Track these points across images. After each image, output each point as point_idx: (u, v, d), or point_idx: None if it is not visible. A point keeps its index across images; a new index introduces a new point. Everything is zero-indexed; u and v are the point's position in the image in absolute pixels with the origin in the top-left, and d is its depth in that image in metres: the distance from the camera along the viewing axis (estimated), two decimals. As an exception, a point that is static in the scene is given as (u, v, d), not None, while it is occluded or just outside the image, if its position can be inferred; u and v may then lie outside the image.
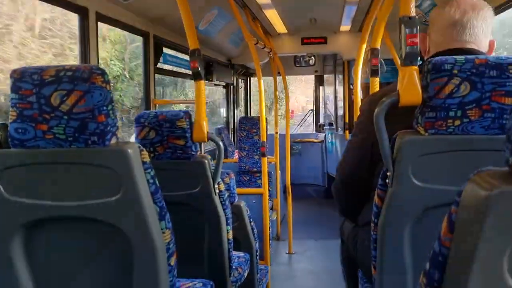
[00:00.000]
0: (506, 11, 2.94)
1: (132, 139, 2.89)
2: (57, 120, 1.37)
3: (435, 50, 1.54)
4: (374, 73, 2.54)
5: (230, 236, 2.25)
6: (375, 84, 2.55)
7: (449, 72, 1.24)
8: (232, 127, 6.76)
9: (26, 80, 1.36)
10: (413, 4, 1.40)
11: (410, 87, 1.33)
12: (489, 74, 1.22)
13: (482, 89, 1.23)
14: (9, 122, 1.41)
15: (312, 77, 8.94)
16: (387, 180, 1.36)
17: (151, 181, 1.47)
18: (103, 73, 1.38)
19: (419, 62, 1.42)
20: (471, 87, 1.23)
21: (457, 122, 1.26)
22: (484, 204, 0.58)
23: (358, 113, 1.83)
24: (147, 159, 1.48)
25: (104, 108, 1.38)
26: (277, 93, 5.85)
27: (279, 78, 6.06)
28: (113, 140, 1.43)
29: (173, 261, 1.56)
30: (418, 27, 1.38)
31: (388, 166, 1.34)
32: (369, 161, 1.60)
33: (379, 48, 2.53)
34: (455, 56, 1.27)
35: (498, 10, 2.89)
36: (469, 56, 1.26)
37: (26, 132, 1.39)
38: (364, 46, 3.33)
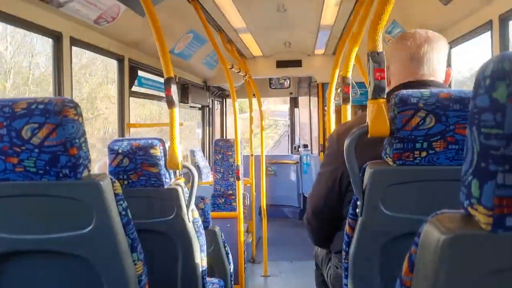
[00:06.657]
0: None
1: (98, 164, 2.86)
2: (28, 153, 1.34)
3: (396, 82, 1.59)
4: (345, 100, 2.59)
5: (204, 264, 2.23)
6: (346, 111, 2.60)
7: (415, 106, 1.28)
8: (207, 148, 6.75)
9: None
10: (380, 39, 1.45)
11: (378, 119, 1.37)
12: (453, 108, 1.27)
13: (446, 122, 1.27)
14: None
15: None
16: (357, 210, 1.39)
17: (123, 213, 1.46)
18: (75, 105, 1.37)
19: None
20: (436, 120, 1.27)
21: (424, 154, 1.30)
22: (439, 247, 0.61)
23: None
24: (120, 191, 1.47)
25: (76, 141, 1.37)
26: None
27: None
28: (85, 173, 1.41)
29: None
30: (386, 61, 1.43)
31: (358, 196, 1.37)
32: (338, 191, 1.63)
33: (350, 77, 2.59)
34: (421, 90, 1.32)
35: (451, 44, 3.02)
36: (434, 90, 1.31)
37: None
38: (337, 71, 3.39)
